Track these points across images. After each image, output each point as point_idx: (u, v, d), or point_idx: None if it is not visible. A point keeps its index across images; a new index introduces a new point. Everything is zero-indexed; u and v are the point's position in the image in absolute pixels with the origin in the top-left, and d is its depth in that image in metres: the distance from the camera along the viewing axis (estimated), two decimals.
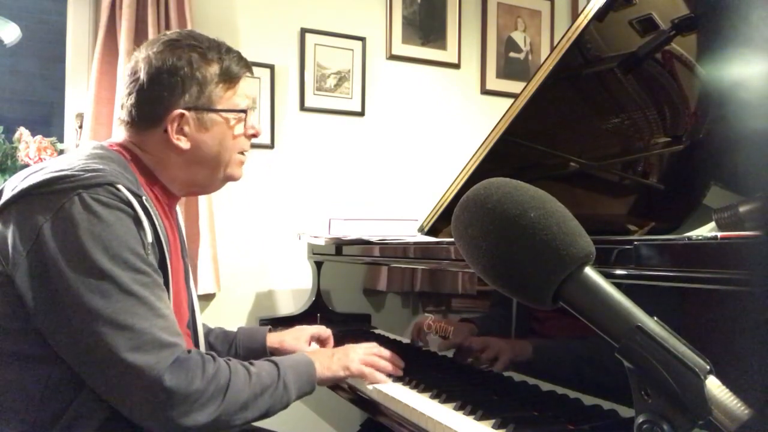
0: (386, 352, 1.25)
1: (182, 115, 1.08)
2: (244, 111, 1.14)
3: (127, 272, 0.90)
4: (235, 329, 1.43)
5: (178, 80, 1.07)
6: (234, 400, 0.95)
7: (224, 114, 1.11)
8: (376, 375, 1.20)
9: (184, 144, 1.09)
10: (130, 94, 1.09)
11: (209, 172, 1.14)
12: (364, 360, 1.21)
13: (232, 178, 1.18)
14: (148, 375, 0.88)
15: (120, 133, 1.13)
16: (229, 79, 1.12)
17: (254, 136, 1.19)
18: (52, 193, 0.91)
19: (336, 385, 1.29)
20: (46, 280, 0.89)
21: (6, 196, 0.95)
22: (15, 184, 0.96)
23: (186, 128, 1.09)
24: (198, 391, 0.91)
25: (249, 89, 1.17)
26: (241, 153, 1.17)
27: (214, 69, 1.10)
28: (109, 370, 0.89)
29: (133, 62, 1.10)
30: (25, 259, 0.89)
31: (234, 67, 1.13)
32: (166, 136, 1.08)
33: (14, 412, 0.92)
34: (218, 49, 1.12)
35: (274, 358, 1.09)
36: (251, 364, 1.04)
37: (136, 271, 0.91)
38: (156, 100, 1.07)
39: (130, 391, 0.89)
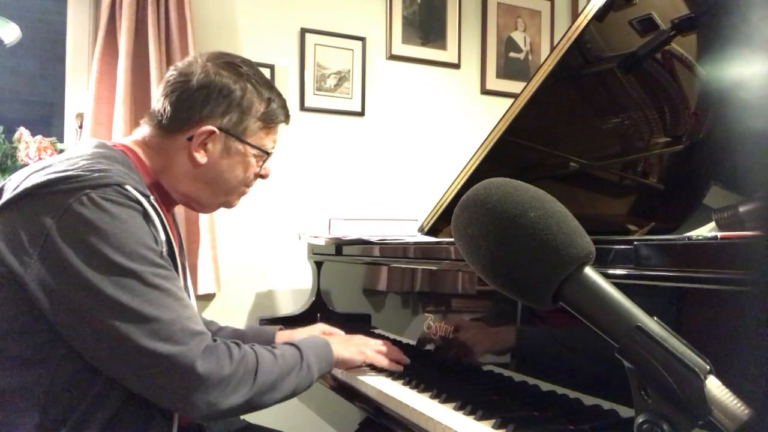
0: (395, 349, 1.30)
1: (213, 133, 1.10)
2: (268, 154, 1.19)
3: (147, 267, 0.91)
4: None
5: (226, 101, 1.10)
6: (264, 381, 0.99)
7: (251, 149, 1.15)
8: (385, 362, 1.25)
9: (201, 158, 1.11)
10: (173, 92, 1.10)
11: (210, 193, 1.17)
12: (379, 349, 1.26)
13: (227, 206, 1.23)
14: (181, 363, 0.89)
15: (138, 131, 1.14)
16: (270, 120, 1.17)
17: (262, 177, 1.22)
18: (57, 193, 0.90)
19: (334, 383, 1.30)
20: (62, 281, 0.88)
21: (7, 195, 0.93)
22: (17, 183, 0.95)
23: (210, 146, 1.11)
24: (230, 374, 0.94)
25: (278, 137, 1.23)
26: (246, 186, 1.21)
27: (260, 106, 1.15)
28: (140, 363, 0.89)
29: (185, 64, 1.13)
30: (36, 262, 0.88)
31: (278, 112, 1.18)
32: (188, 145, 1.10)
33: (19, 415, 0.91)
34: (271, 91, 1.17)
35: (292, 341, 1.13)
36: (274, 347, 1.07)
37: (155, 266, 0.93)
38: (196, 107, 1.09)
39: (164, 381, 0.90)
